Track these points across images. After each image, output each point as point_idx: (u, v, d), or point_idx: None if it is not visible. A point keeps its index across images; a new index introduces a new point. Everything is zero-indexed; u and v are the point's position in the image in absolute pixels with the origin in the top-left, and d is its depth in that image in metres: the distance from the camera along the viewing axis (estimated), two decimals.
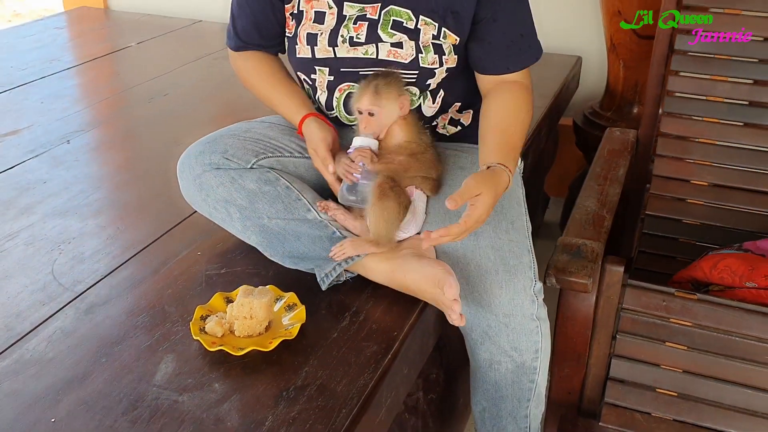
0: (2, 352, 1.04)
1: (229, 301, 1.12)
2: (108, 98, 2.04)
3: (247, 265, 1.23)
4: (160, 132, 1.81)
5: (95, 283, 1.20)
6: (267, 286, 1.11)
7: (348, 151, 1.19)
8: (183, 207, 1.36)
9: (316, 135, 1.25)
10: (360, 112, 1.19)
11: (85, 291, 1.18)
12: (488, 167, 1.12)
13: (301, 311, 1.10)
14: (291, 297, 1.13)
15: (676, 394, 1.28)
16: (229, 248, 1.28)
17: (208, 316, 1.09)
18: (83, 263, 1.25)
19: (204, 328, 1.06)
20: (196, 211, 1.34)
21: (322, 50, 1.25)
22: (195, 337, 1.04)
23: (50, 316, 1.12)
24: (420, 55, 1.21)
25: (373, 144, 1.18)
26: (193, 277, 1.21)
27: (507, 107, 1.23)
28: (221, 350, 1.02)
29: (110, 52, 2.40)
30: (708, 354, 1.26)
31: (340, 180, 1.22)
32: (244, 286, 1.10)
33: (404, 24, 1.21)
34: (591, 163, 2.23)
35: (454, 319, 1.07)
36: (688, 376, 1.27)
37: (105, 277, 1.22)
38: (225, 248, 1.29)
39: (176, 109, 1.94)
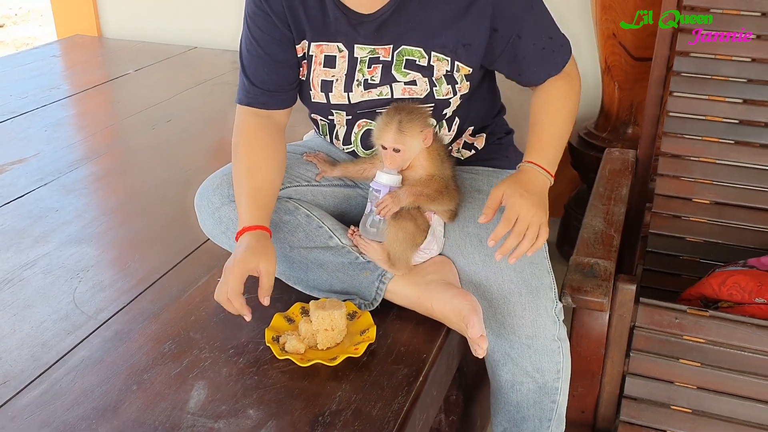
0: (31, 382, 1.04)
1: (289, 319, 1.14)
2: (111, 125, 2.05)
3: None
4: (166, 158, 1.81)
5: (118, 311, 1.20)
6: (330, 299, 1.14)
7: (371, 183, 1.20)
8: (197, 234, 1.36)
9: (250, 259, 1.11)
10: (384, 147, 1.18)
11: (109, 319, 1.18)
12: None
13: (365, 316, 1.13)
14: (349, 305, 1.16)
15: (690, 411, 1.30)
16: None
17: (279, 336, 1.11)
18: (104, 291, 1.25)
19: (284, 347, 1.08)
20: (210, 239, 1.34)
21: (337, 96, 1.25)
22: (281, 357, 1.06)
23: (76, 345, 1.12)
24: (434, 88, 1.22)
25: (396, 180, 1.18)
26: (215, 303, 1.20)
27: (540, 104, 1.27)
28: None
29: (109, 80, 2.40)
30: (721, 370, 1.28)
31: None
32: (312, 301, 1.13)
33: (417, 62, 1.21)
34: (587, 183, 2.29)
35: (480, 353, 1.09)
36: (702, 393, 1.30)
37: (127, 304, 1.22)
38: None
39: (181, 135, 1.95)
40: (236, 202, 1.21)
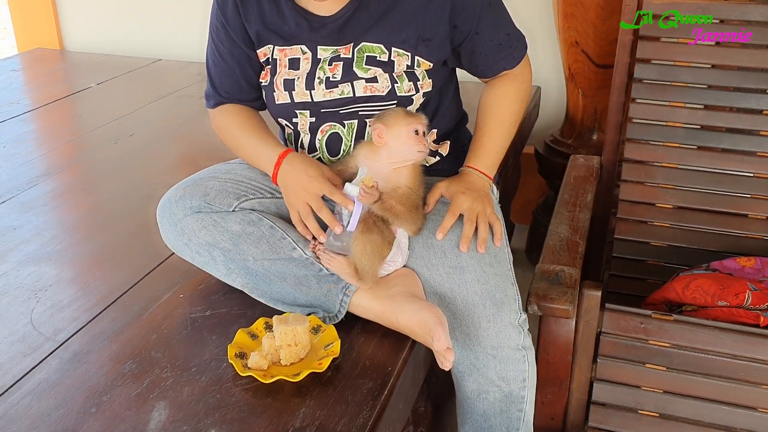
0: None
1: (252, 335, 1.13)
2: (72, 140, 2.01)
3: (232, 306, 1.22)
4: (129, 173, 1.79)
5: (77, 331, 1.17)
6: (294, 314, 1.13)
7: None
8: (160, 250, 1.35)
9: (311, 167, 1.21)
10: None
11: (68, 340, 1.15)
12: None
13: (330, 331, 1.12)
14: (313, 319, 1.14)
15: (657, 415, 1.31)
16: (211, 290, 1.27)
17: (243, 353, 1.09)
18: (63, 311, 1.23)
19: (247, 364, 1.06)
20: (173, 254, 1.32)
21: (300, 94, 1.26)
22: (244, 374, 1.04)
23: (33, 368, 1.09)
24: (396, 84, 1.24)
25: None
26: (178, 320, 1.20)
27: (488, 107, 1.35)
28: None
29: (70, 94, 2.36)
30: (686, 373, 1.29)
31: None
32: (275, 316, 1.11)
33: (378, 58, 1.23)
34: (553, 189, 2.31)
35: (446, 365, 1.08)
36: (668, 396, 1.30)
37: (86, 324, 1.19)
38: (207, 290, 1.28)
39: (144, 149, 1.92)
40: (243, 149, 1.31)
